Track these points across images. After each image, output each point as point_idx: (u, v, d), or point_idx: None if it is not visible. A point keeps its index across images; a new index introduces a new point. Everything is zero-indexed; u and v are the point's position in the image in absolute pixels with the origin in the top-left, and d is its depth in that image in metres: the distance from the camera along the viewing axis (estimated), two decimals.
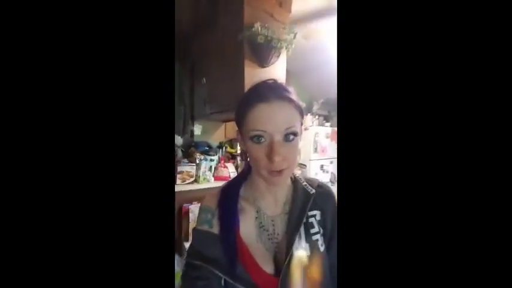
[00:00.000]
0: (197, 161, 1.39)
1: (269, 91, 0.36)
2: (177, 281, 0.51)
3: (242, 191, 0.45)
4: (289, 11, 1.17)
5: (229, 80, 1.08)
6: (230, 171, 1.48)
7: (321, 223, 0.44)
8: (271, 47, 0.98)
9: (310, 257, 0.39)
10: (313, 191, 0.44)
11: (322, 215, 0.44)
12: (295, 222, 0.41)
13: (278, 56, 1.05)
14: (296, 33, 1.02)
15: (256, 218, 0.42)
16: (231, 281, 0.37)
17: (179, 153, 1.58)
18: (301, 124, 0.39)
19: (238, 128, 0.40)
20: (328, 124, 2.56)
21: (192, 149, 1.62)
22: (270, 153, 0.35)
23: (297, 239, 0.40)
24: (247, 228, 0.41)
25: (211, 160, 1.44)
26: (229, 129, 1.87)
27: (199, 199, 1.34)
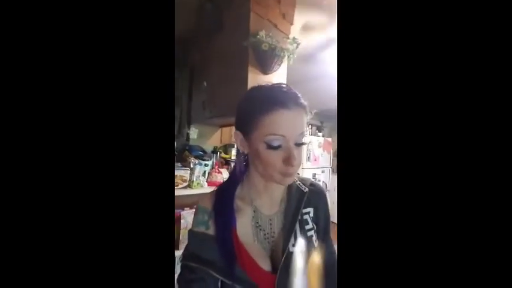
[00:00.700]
0: (191, 165, 1.35)
1: (287, 97, 0.37)
2: None
3: (238, 191, 0.45)
4: (292, 23, 1.22)
5: (231, 84, 1.08)
6: (224, 176, 1.45)
7: (314, 220, 0.46)
8: (274, 55, 1.00)
9: (306, 253, 0.41)
10: (307, 189, 0.46)
11: (315, 211, 0.46)
12: (291, 219, 0.43)
13: (280, 65, 1.07)
14: (299, 43, 1.05)
15: (253, 217, 0.43)
16: (229, 282, 0.37)
17: None
18: None
19: (245, 131, 0.39)
20: (320, 134, 2.63)
21: (186, 152, 1.57)
22: (288, 158, 0.36)
23: (292, 235, 0.41)
24: (243, 227, 0.42)
25: (206, 165, 1.40)
26: (225, 134, 1.85)
27: (191, 205, 1.29)
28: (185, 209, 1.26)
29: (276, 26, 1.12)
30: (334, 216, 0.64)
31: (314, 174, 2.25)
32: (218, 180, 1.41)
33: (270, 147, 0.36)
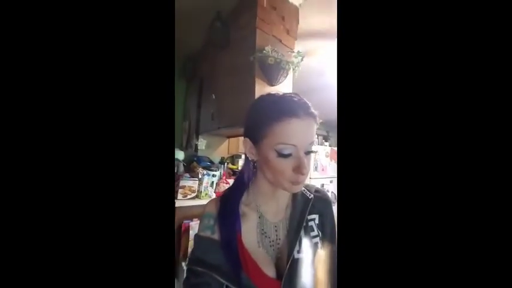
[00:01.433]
0: (199, 176, 1.37)
1: (298, 106, 0.37)
2: None
3: (244, 197, 0.45)
4: (295, 38, 1.27)
5: (239, 96, 1.12)
6: None
7: (320, 226, 0.45)
8: (280, 68, 1.04)
9: (311, 260, 0.41)
10: (312, 196, 0.46)
11: (320, 218, 0.45)
12: (296, 226, 0.43)
13: (285, 77, 1.11)
14: (303, 57, 1.09)
15: (258, 223, 0.43)
16: (234, 287, 0.37)
17: (181, 167, 1.56)
18: None
19: (254, 138, 0.40)
20: (327, 143, 2.62)
21: (194, 163, 1.60)
22: (299, 167, 0.36)
23: (297, 242, 0.41)
24: (249, 233, 0.42)
25: (214, 175, 1.42)
26: (232, 145, 1.88)
27: (200, 216, 1.29)
28: (194, 219, 1.26)
29: (280, 41, 1.17)
30: None
31: (322, 185, 2.21)
32: None
33: (281, 155, 0.36)
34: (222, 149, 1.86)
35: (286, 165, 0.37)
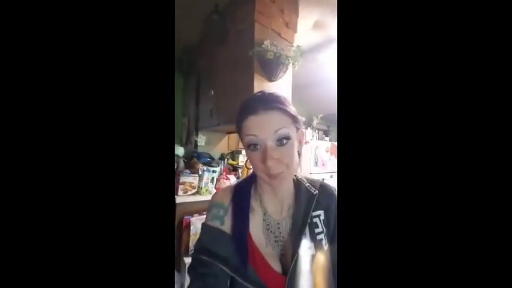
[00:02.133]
0: (200, 172, 1.37)
1: (256, 104, 0.38)
2: None
3: (252, 191, 0.46)
4: (295, 31, 1.25)
5: (238, 92, 1.11)
6: (232, 183, 1.46)
7: (325, 222, 0.45)
8: (279, 62, 1.03)
9: (315, 257, 0.41)
10: (316, 191, 0.46)
11: (325, 214, 0.45)
12: (301, 223, 0.43)
13: (285, 72, 1.09)
14: (303, 52, 1.07)
15: (264, 220, 0.43)
16: (241, 280, 0.37)
17: (181, 163, 1.56)
18: (297, 129, 0.40)
19: (240, 139, 0.43)
20: (327, 138, 2.61)
21: (194, 159, 1.60)
22: (264, 158, 0.37)
23: (302, 239, 0.41)
24: (256, 228, 0.42)
25: (214, 171, 1.42)
26: (232, 141, 1.88)
27: (200, 211, 1.30)
28: (194, 215, 1.27)
29: (279, 34, 1.15)
30: None
31: (323, 179, 2.22)
32: None
33: (249, 147, 0.38)
34: (222, 145, 1.86)
35: (255, 157, 0.38)
